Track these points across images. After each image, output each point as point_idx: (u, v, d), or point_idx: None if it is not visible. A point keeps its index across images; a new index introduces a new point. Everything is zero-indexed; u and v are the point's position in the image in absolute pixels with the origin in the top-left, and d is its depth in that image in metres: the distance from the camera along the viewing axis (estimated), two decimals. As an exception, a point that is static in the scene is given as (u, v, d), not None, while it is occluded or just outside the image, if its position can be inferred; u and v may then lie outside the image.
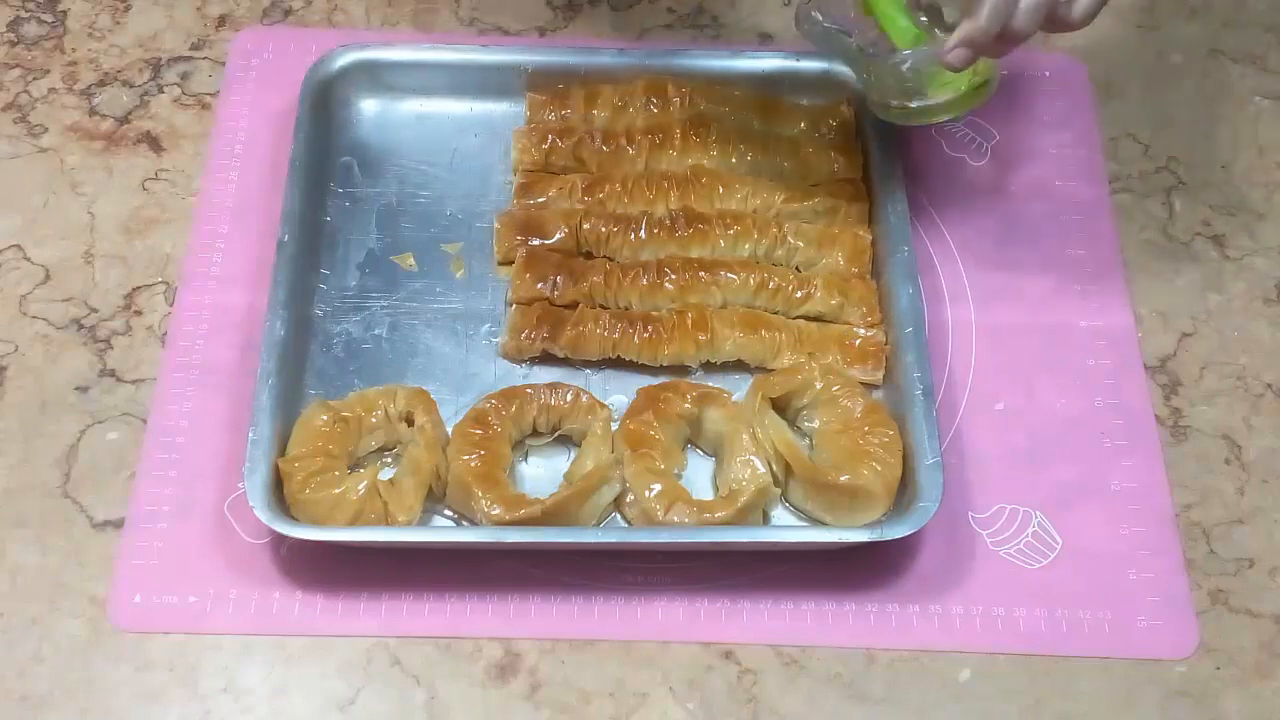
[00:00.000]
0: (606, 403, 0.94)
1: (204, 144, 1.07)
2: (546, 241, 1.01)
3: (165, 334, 0.98)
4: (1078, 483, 0.95)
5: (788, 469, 0.90)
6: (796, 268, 1.02)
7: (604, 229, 1.01)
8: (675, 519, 0.88)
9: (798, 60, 1.09)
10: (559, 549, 0.89)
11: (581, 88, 1.08)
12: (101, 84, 1.10)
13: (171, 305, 0.99)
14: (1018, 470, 0.95)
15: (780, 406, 0.95)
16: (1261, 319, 1.04)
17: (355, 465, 0.92)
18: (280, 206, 0.98)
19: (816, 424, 0.94)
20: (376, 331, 0.99)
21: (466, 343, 0.99)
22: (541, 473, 0.93)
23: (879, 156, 1.04)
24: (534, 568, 0.90)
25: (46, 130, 1.08)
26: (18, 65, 1.11)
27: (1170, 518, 0.94)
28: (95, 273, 1.01)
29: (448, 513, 0.91)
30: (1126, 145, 1.12)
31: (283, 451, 0.90)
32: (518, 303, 0.98)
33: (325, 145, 1.05)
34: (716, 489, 0.93)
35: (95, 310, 0.99)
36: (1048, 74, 1.15)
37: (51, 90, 1.10)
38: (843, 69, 1.08)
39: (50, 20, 1.14)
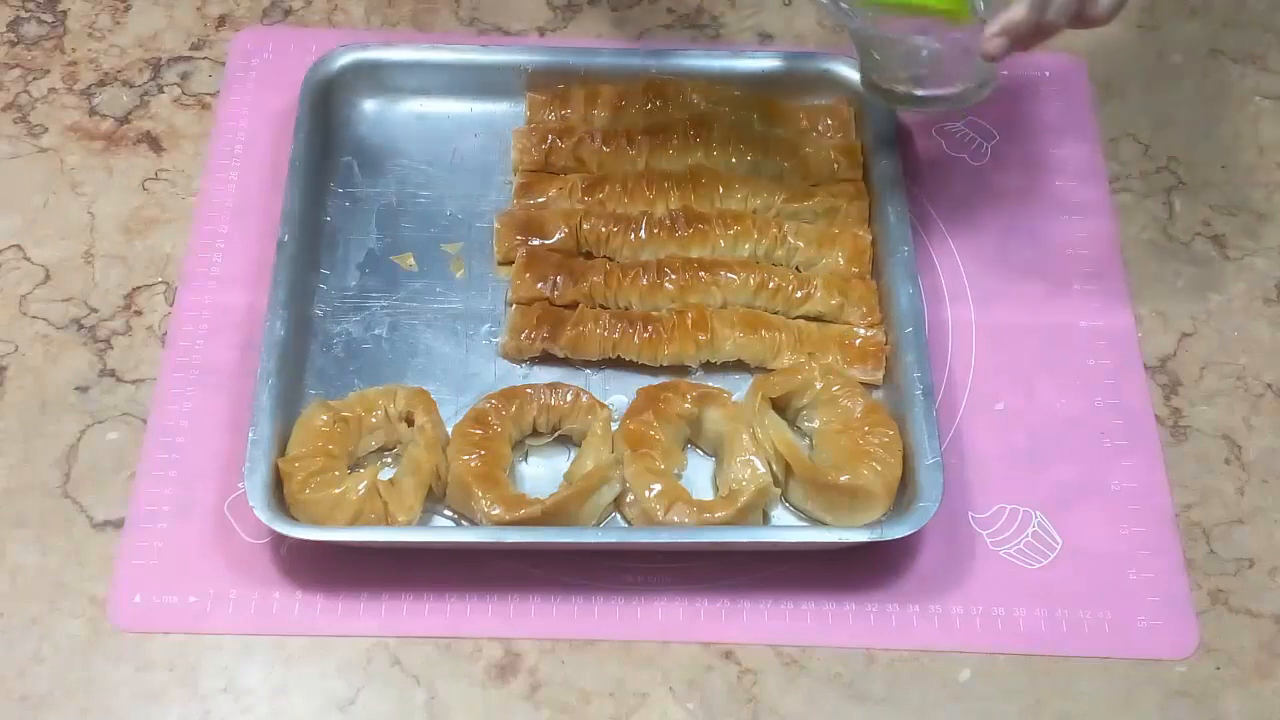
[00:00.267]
0: (606, 403, 0.94)
1: (204, 144, 1.07)
2: (546, 241, 1.01)
3: (165, 334, 0.98)
4: (1078, 483, 0.95)
5: (788, 469, 0.90)
6: (796, 268, 1.02)
7: (604, 229, 1.01)
8: (675, 519, 0.88)
9: (798, 60, 1.09)
10: (559, 549, 0.89)
11: (581, 88, 1.08)
12: (101, 84, 1.10)
13: (171, 305, 0.99)
14: (1018, 470, 0.95)
15: (780, 406, 0.94)
16: (1261, 319, 1.04)
17: (355, 465, 0.92)
18: (280, 206, 0.99)
19: (816, 424, 0.94)
20: (376, 331, 0.99)
21: (466, 343, 0.99)
22: (541, 473, 0.93)
23: (879, 156, 1.04)
24: (534, 568, 0.90)
25: (46, 130, 1.08)
26: (18, 65, 1.11)
27: (1170, 518, 0.94)
28: (95, 273, 1.01)
29: (448, 513, 0.91)
30: (1126, 145, 1.12)
31: (283, 451, 0.90)
32: (518, 303, 0.98)
33: (325, 145, 1.05)
34: (716, 489, 0.93)
35: (95, 310, 0.99)
36: (1048, 74, 1.15)
37: (51, 90, 1.10)
38: (842, 69, 1.08)
39: (50, 20, 1.14)
